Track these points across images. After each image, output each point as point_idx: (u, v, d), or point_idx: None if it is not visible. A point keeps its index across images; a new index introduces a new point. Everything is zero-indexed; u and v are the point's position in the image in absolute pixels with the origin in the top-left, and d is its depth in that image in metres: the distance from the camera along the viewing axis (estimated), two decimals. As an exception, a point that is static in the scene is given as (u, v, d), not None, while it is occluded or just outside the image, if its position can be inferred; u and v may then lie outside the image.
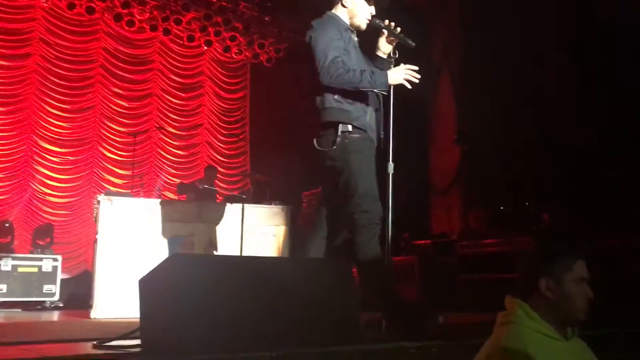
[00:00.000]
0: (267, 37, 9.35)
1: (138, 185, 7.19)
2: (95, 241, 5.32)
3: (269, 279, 2.44)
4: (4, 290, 6.48)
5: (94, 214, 5.46)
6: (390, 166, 3.69)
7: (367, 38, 3.49)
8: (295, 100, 9.32)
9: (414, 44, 3.26)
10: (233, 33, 9.09)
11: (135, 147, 7.72)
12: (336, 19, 3.31)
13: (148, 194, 7.70)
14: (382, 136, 3.34)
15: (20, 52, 8.11)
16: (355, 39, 3.37)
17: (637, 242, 5.22)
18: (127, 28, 8.58)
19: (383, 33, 3.34)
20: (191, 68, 9.52)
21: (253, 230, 5.63)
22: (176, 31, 8.95)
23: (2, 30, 7.95)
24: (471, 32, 8.36)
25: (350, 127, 3.09)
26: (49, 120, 8.23)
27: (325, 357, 2.21)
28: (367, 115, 3.17)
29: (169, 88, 9.28)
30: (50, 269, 6.78)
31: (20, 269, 6.64)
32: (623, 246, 5.21)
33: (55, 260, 6.86)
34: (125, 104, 8.87)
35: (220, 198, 7.27)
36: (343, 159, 3.07)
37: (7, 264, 6.56)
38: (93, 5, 8.00)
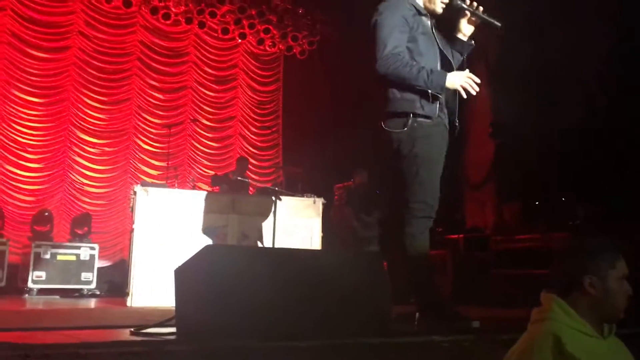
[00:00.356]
0: (300, 29, 9.36)
1: (172, 176, 7.31)
2: (131, 231, 5.42)
3: (300, 271, 2.47)
4: (43, 278, 6.67)
5: (130, 204, 5.57)
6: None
7: (447, 18, 3.32)
8: (327, 92, 9.34)
9: (499, 24, 3.11)
10: (267, 26, 9.14)
11: (170, 139, 7.83)
12: (404, 3, 3.14)
13: (182, 185, 7.82)
14: (457, 125, 3.22)
15: (60, 45, 8.29)
16: (428, 22, 3.19)
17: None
18: (162, 21, 8.70)
19: (465, 14, 3.18)
20: (225, 61, 9.60)
21: (285, 222, 5.66)
22: (211, 24, 9.03)
23: (42, 23, 8.13)
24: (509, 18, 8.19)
25: (419, 112, 2.99)
26: (86, 112, 8.41)
27: (356, 350, 2.22)
28: (436, 103, 3.04)
29: (204, 80, 9.38)
30: (87, 258, 6.95)
31: (59, 257, 6.82)
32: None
33: (92, 249, 7.03)
34: (161, 96, 9.00)
35: (252, 190, 7.34)
36: (409, 142, 2.98)
37: (46, 252, 6.75)
38: (130, -2, 8.14)
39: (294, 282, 2.41)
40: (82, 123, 8.36)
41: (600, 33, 7.19)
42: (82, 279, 6.86)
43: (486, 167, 8.39)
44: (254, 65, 9.80)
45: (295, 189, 6.59)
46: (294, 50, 9.56)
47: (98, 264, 7.06)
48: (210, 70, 9.44)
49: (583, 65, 7.03)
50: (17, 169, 7.87)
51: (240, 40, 9.42)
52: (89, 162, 8.38)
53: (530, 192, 7.22)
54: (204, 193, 5.69)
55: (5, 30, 7.87)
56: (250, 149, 9.63)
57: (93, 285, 6.91)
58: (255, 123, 9.75)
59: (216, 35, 9.28)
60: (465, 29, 3.20)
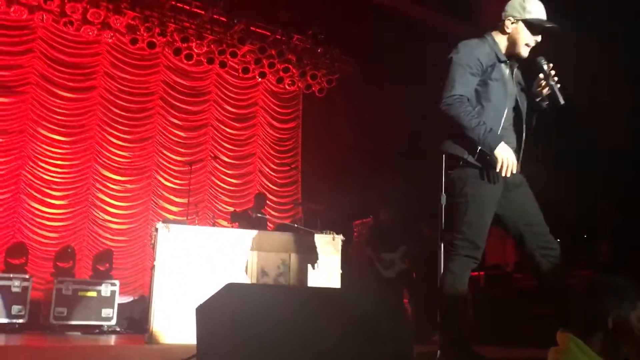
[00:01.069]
0: (319, 68, 9.53)
1: (193, 212, 7.39)
2: (152, 267, 5.47)
3: (321, 309, 2.47)
4: (65, 314, 6.73)
5: (152, 241, 5.64)
6: (443, 197, 3.71)
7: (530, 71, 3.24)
8: (346, 129, 9.43)
9: (563, 102, 3.01)
10: (286, 65, 9.32)
11: (191, 176, 7.95)
12: (484, 46, 3.08)
13: (203, 222, 7.89)
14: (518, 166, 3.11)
15: (86, 85, 8.53)
16: (507, 70, 3.11)
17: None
18: (185, 61, 8.92)
19: (539, 77, 3.11)
20: (245, 99, 9.78)
21: (305, 259, 5.68)
22: (232, 63, 9.24)
23: (70, 65, 8.39)
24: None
25: (469, 161, 2.97)
26: (110, 150, 8.59)
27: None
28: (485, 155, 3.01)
29: (224, 118, 9.55)
30: (108, 294, 7.00)
31: (80, 293, 6.89)
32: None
33: (113, 284, 7.08)
34: (182, 134, 9.17)
35: (272, 226, 7.38)
36: (460, 182, 3.02)
37: (68, 288, 6.82)
38: (154, 40, 8.36)
39: (315, 321, 2.42)
40: (105, 161, 8.53)
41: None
42: (103, 315, 6.90)
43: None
44: (273, 103, 9.97)
45: (315, 226, 6.61)
46: (313, 89, 9.72)
47: (119, 300, 7.11)
48: (230, 109, 9.61)
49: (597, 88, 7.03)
50: (42, 205, 8.03)
51: (260, 79, 9.62)
52: (111, 198, 8.52)
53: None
54: (224, 230, 5.74)
55: (33, 72, 8.13)
56: (270, 185, 9.72)
57: (113, 322, 6.94)
58: (275, 160, 9.87)
59: (237, 74, 9.48)
60: (535, 88, 3.14)
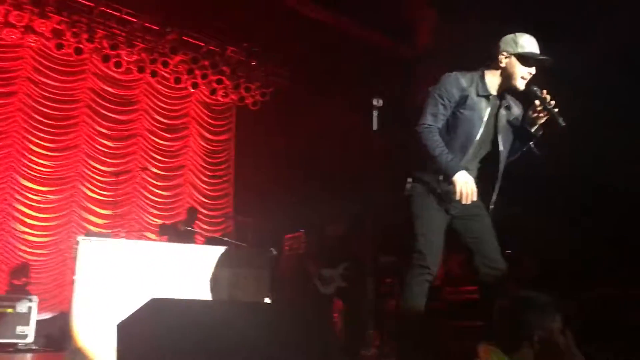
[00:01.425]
0: (253, 80, 9.47)
1: (119, 225, 7.14)
2: (73, 282, 5.23)
3: (247, 324, 2.42)
4: (-23, 331, 6.32)
5: (73, 254, 5.39)
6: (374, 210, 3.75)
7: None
8: (279, 143, 9.39)
9: (564, 124, 3.09)
10: (219, 76, 9.20)
11: (119, 187, 7.69)
12: (464, 79, 3.23)
13: (130, 235, 7.63)
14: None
15: (6, 90, 8.10)
16: (487, 106, 3.23)
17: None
18: (114, 69, 8.64)
19: (535, 104, 3.18)
20: (177, 109, 9.58)
21: (234, 273, 5.57)
22: (163, 73, 9.03)
23: (-11, 68, 7.97)
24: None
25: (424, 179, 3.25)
26: (31, 159, 8.18)
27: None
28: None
29: (154, 129, 9.31)
30: (25, 310, 6.63)
31: (-6, 309, 6.49)
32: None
33: (30, 300, 6.72)
34: (110, 144, 8.86)
35: (201, 240, 7.23)
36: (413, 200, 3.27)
37: (-19, 305, 6.42)
38: (81, 46, 8.05)
39: (241, 336, 2.36)
40: (25, 170, 8.12)
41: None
42: (18, 332, 6.52)
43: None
44: (205, 115, 9.82)
45: (246, 239, 6.53)
46: (247, 101, 9.63)
47: (37, 316, 6.74)
48: (161, 119, 9.39)
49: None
50: (-47, 216, 7.55)
51: (192, 90, 9.44)
52: (31, 209, 8.10)
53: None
54: (151, 243, 5.57)
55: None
56: (200, 198, 9.53)
57: (30, 340, 6.57)
58: (206, 172, 9.69)
59: (168, 84, 9.27)
60: (531, 118, 3.22)
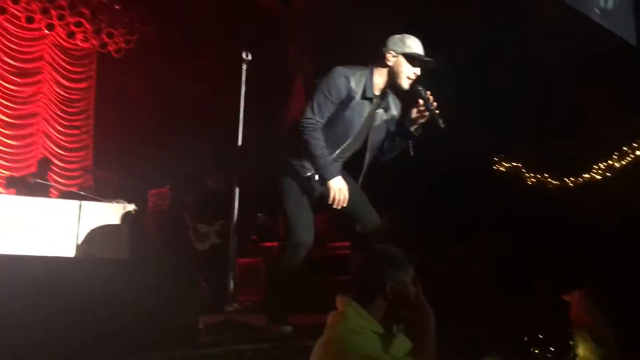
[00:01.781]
0: (116, 26, 8.86)
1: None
2: None
3: (102, 280, 2.30)
4: None
5: None
6: (238, 167, 3.71)
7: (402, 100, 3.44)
8: (144, 94, 8.97)
9: (443, 126, 3.22)
10: (79, 19, 8.50)
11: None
12: (354, 77, 3.26)
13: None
14: None
15: None
16: (367, 105, 3.31)
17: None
18: (-47, 2, 7.70)
19: (419, 102, 3.29)
20: (29, 52, 8.75)
21: (92, 229, 5.28)
22: (13, 10, 8.18)
23: None
24: (323, 36, 8.61)
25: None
26: None
27: (159, 363, 2.12)
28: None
29: (3, 72, 8.45)
30: None
31: None
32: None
33: None
34: (-51, 86, 7.95)
35: (56, 194, 6.77)
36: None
37: None
38: None
39: (92, 293, 2.23)
40: None
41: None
42: None
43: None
44: (62, 60, 9.07)
45: (105, 194, 6.20)
46: (109, 48, 9.01)
47: None
48: (10, 61, 8.52)
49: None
50: None
51: (47, 32, 8.66)
52: None
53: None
54: (-4, 196, 5.11)
55: None
56: (56, 149, 8.87)
57: None
58: (62, 122, 9.01)
59: (19, 23, 8.42)
60: (413, 117, 3.33)
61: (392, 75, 3.31)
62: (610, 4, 7.93)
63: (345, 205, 3.17)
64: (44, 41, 8.85)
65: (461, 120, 7.36)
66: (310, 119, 3.20)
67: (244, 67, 3.84)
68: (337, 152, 3.30)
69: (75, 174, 8.87)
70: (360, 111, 3.29)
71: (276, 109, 8.77)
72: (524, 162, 8.11)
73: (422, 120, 3.34)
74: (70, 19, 8.45)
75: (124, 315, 2.26)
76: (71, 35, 8.80)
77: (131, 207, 5.57)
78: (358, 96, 3.26)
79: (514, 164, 8.19)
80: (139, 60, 9.05)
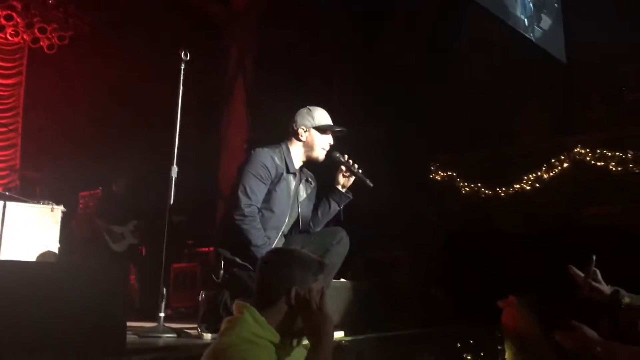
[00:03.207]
0: (50, 21, 8.51)
1: None
2: None
3: (25, 284, 2.19)
4: None
5: None
6: (174, 170, 3.61)
7: (326, 168, 3.44)
8: (77, 93, 8.68)
9: (372, 185, 3.25)
10: (9, 12, 8.12)
11: None
12: (275, 156, 3.23)
13: None
14: None
15: None
16: (293, 181, 3.30)
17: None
18: None
19: (341, 168, 3.33)
20: (-46, 45, 8.32)
21: (16, 232, 5.04)
22: (-64, 0, 7.76)
23: None
24: (266, 40, 8.61)
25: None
26: None
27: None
28: None
29: None
30: None
31: None
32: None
33: None
34: None
35: (-21, 194, 6.44)
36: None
37: None
38: None
39: (14, 297, 2.12)
40: None
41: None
42: None
43: (240, 181, 8.55)
44: (-10, 54, 8.66)
45: (33, 195, 5.94)
46: (42, 44, 8.64)
47: None
48: None
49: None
50: None
51: (-26, 24, 8.23)
52: None
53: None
54: None
55: None
56: (-19, 147, 8.45)
57: None
58: (-12, 119, 8.59)
59: (-57, 14, 7.99)
60: (341, 182, 3.37)
61: (308, 149, 3.35)
62: (544, 25, 8.29)
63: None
64: (-31, 34, 8.42)
65: (398, 131, 7.58)
66: (249, 205, 3.11)
67: (182, 66, 3.76)
68: (279, 235, 3.27)
69: (1, 173, 8.46)
70: (287, 187, 3.30)
71: (215, 112, 8.70)
72: (459, 171, 8.34)
73: (349, 184, 3.40)
74: (0, 12, 8.07)
75: (48, 320, 2.15)
76: (0, 28, 8.40)
77: (59, 208, 5.36)
78: (284, 171, 3.28)
79: (449, 172, 8.41)
80: (72, 57, 8.74)
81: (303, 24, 8.56)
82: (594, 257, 1.92)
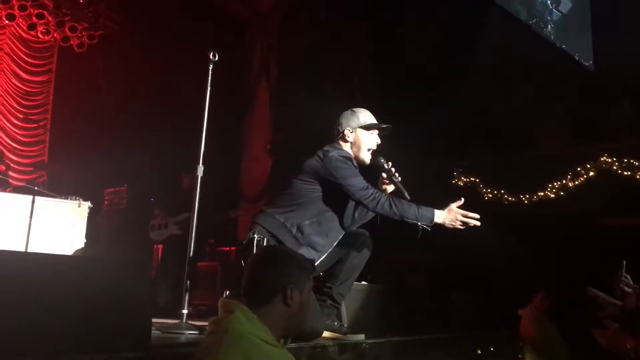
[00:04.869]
0: (80, 20, 8.67)
1: None
2: None
3: (54, 277, 2.24)
4: None
5: None
6: (200, 169, 3.66)
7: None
8: (104, 91, 8.81)
9: (409, 197, 3.19)
10: (41, 10, 8.31)
11: None
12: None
13: None
14: None
15: None
16: None
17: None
18: None
19: (382, 175, 3.32)
20: (-13, 42, 8.51)
21: (44, 226, 5.14)
22: (-28, -2, 7.95)
23: None
24: (289, 43, 8.65)
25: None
26: None
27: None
28: None
29: (-42, 61, 8.20)
30: None
31: None
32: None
33: None
34: None
35: (9, 189, 6.57)
36: None
37: None
38: None
39: (44, 289, 2.17)
40: None
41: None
42: None
43: (263, 182, 8.62)
44: (22, 52, 8.83)
45: (60, 191, 6.05)
46: (72, 42, 8.81)
47: None
48: (-34, 51, 8.28)
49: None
50: None
51: (7, 22, 8.41)
52: None
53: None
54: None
55: None
56: (11, 142, 8.61)
57: None
58: (19, 115, 8.76)
59: (-22, 11, 8.18)
60: (381, 187, 3.34)
61: (355, 149, 3.34)
62: (563, 9, 8.10)
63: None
64: (3, 31, 8.61)
65: (420, 135, 7.55)
66: (363, 186, 3.10)
67: (210, 67, 3.80)
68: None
69: (29, 169, 8.63)
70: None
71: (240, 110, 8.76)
72: (481, 177, 8.28)
73: (388, 191, 3.37)
74: (32, 10, 8.25)
75: (74, 313, 2.19)
76: (32, 26, 8.57)
77: (86, 204, 5.46)
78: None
79: (472, 178, 8.36)
80: (101, 56, 8.88)
81: (325, 24, 8.60)
82: (625, 263, 1.90)
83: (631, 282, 1.85)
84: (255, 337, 1.61)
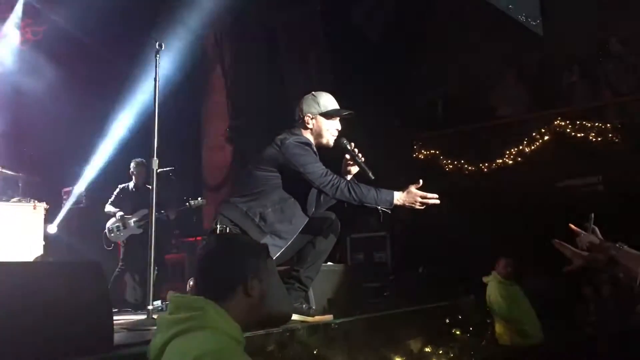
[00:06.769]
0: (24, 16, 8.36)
1: None
2: None
3: (7, 285, 2.17)
4: None
5: None
6: (155, 162, 3.57)
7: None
8: (50, 88, 8.54)
9: (373, 177, 3.20)
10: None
11: None
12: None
13: None
14: None
15: None
16: None
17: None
18: None
19: (346, 157, 3.31)
20: None
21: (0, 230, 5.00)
22: None
23: None
24: (242, 28, 8.53)
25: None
26: None
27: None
28: None
29: None
30: None
31: None
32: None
33: None
34: None
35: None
36: None
37: None
38: None
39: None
40: None
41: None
42: None
43: (224, 169, 8.53)
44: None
45: (14, 193, 5.88)
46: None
47: None
48: None
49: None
50: None
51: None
52: None
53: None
54: None
55: None
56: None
57: None
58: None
59: None
60: (346, 169, 3.36)
61: (317, 136, 3.31)
62: None
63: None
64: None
65: (379, 111, 7.57)
66: (322, 173, 3.10)
67: (157, 57, 3.69)
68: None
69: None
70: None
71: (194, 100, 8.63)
72: (442, 149, 8.37)
73: (353, 172, 3.37)
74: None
75: (29, 323, 2.13)
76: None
77: (42, 205, 5.32)
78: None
79: (432, 151, 8.44)
80: (45, 52, 8.58)
81: (279, 3, 8.50)
82: (592, 215, 1.92)
83: (599, 234, 1.86)
84: (226, 335, 1.48)
